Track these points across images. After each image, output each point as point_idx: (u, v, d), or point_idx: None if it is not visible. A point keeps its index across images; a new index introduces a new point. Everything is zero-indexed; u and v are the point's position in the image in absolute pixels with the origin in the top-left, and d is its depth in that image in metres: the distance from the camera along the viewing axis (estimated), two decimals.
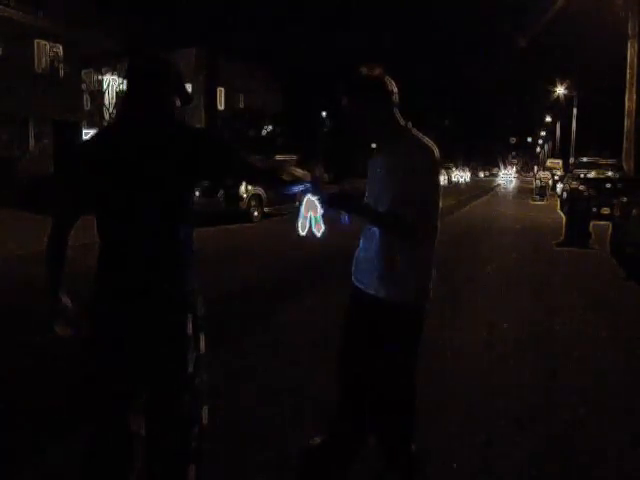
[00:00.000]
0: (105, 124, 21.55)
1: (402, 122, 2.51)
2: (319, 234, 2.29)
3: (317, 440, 2.85)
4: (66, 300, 2.25)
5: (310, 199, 2.32)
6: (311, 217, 2.30)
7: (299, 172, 2.42)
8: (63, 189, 2.27)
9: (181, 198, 2.25)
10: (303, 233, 2.29)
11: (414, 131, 2.50)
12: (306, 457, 2.84)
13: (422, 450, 2.64)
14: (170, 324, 2.22)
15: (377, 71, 2.47)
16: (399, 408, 2.62)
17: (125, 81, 2.33)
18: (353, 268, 2.65)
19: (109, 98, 22.80)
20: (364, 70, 2.48)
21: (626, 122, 20.65)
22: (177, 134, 2.25)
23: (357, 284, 2.58)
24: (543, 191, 26.66)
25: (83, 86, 22.95)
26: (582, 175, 19.82)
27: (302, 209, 2.30)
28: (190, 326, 2.26)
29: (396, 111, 2.50)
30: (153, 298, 2.20)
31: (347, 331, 2.69)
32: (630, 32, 20.30)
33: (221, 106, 32.63)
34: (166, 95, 2.26)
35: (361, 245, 2.59)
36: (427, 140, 2.46)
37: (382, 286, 2.45)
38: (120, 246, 2.22)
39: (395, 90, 2.50)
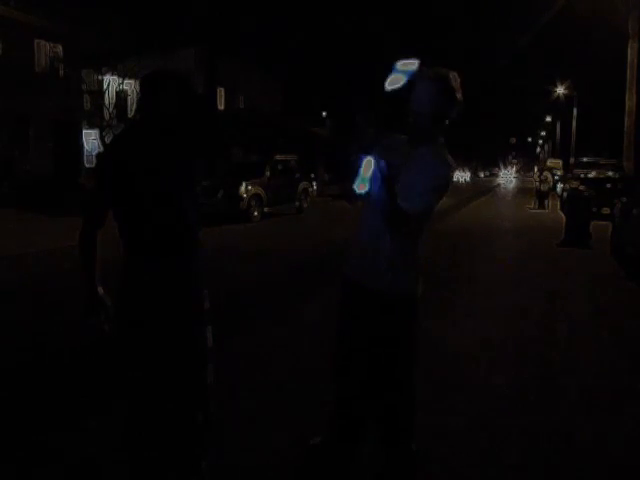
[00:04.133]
0: (105, 124, 21.56)
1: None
2: (362, 191, 2.41)
3: (317, 440, 2.85)
4: (104, 296, 2.35)
5: (370, 160, 2.40)
6: (363, 176, 2.41)
7: None
8: (95, 191, 2.39)
9: (187, 188, 2.40)
10: (361, 191, 2.41)
11: (442, 144, 2.62)
12: (307, 457, 2.85)
13: (422, 450, 2.64)
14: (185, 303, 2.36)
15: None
16: (400, 407, 2.62)
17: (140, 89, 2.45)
18: (356, 269, 2.67)
19: (109, 98, 22.80)
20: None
21: (626, 122, 20.66)
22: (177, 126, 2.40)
23: (360, 282, 2.62)
24: (543, 196, 21.34)
25: (83, 86, 22.95)
26: (582, 175, 19.83)
27: (362, 170, 2.40)
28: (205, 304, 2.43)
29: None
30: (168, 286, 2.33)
31: (344, 330, 2.70)
32: (630, 32, 20.31)
33: (221, 106, 32.64)
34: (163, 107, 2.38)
35: (366, 245, 2.62)
36: (449, 156, 2.58)
37: (395, 281, 2.53)
38: (138, 240, 2.36)
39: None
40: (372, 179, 2.40)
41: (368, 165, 2.39)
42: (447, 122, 2.55)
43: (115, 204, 2.34)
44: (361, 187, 2.39)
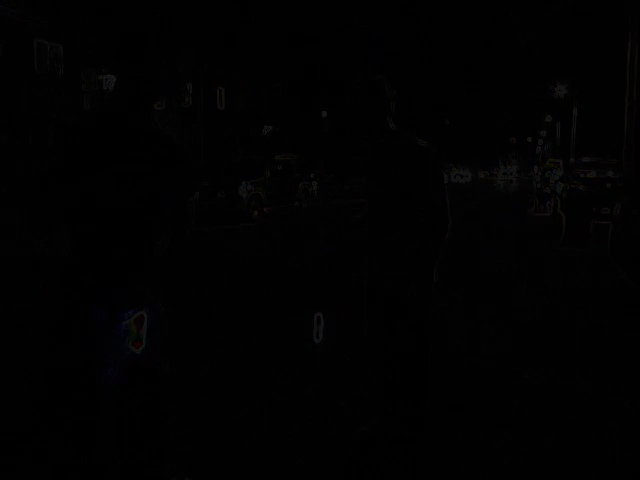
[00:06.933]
0: None
1: (392, 126, 2.70)
2: (138, 351, 2.12)
3: (370, 426, 3.08)
4: None
5: (142, 315, 2.13)
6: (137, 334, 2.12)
7: None
8: None
9: None
10: (137, 350, 2.12)
11: (407, 133, 2.70)
12: (359, 442, 3.06)
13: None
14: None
15: (379, 77, 2.66)
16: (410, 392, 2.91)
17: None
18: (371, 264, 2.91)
19: None
20: (368, 75, 2.68)
21: (626, 122, 20.64)
22: None
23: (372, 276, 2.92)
24: (545, 197, 19.56)
25: (83, 86, 22.96)
26: (582, 175, 19.78)
27: (132, 328, 2.10)
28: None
29: (389, 118, 2.69)
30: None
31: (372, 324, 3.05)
32: (630, 32, 20.29)
33: (221, 106, 32.63)
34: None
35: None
36: (420, 140, 2.64)
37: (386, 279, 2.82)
38: None
39: (394, 97, 2.69)
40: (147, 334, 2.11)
41: (140, 321, 2.10)
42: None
43: None
44: (137, 345, 2.09)
